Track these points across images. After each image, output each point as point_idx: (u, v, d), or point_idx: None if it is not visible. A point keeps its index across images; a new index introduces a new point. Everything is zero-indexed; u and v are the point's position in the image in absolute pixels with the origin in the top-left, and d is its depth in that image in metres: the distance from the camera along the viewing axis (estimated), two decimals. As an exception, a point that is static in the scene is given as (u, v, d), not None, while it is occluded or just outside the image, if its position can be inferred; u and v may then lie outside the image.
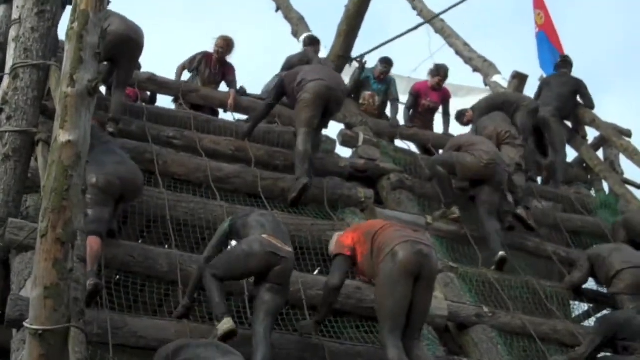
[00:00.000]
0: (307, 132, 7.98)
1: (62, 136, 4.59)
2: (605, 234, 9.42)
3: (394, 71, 10.93)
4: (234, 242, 6.27)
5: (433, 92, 10.85)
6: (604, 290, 8.40)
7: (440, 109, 11.02)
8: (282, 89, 8.42)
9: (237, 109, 9.90)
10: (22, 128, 6.47)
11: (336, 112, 8.57)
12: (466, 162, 8.46)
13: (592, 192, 10.33)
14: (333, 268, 6.17)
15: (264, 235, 5.87)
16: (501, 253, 7.95)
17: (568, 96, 10.72)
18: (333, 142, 9.39)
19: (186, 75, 10.18)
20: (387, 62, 10.62)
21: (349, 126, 9.94)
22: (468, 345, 7.13)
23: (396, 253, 5.74)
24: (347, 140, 9.63)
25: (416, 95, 10.83)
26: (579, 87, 10.90)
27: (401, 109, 10.78)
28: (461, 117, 10.60)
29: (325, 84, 8.08)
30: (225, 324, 5.58)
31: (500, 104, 10.02)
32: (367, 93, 10.50)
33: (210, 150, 8.23)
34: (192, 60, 10.13)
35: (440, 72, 10.83)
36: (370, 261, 5.92)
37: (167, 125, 8.46)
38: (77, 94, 4.70)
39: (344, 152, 9.58)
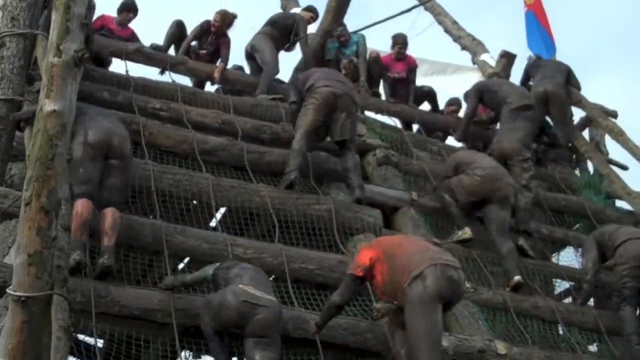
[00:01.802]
0: (305, 131, 7.77)
1: (48, 105, 4.62)
2: (588, 213, 9.49)
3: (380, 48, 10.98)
4: None
5: (398, 63, 10.83)
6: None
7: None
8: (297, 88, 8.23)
9: (223, 81, 9.92)
10: (8, 96, 6.46)
11: (347, 119, 7.89)
12: (464, 184, 8.19)
13: (577, 172, 10.36)
14: (341, 285, 5.98)
15: (240, 286, 5.55)
16: (517, 278, 7.67)
17: (559, 77, 10.75)
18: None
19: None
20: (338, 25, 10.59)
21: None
22: (449, 320, 7.18)
23: (425, 277, 5.51)
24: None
25: (381, 68, 10.83)
26: (569, 70, 10.96)
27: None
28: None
29: (333, 90, 7.89)
30: None
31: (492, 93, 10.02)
32: (344, 61, 10.54)
33: (196, 123, 8.22)
34: (195, 29, 10.13)
35: (397, 40, 10.83)
36: (392, 280, 5.66)
37: (153, 97, 8.47)
38: (63, 64, 4.73)
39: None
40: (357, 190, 7.69)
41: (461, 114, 10.77)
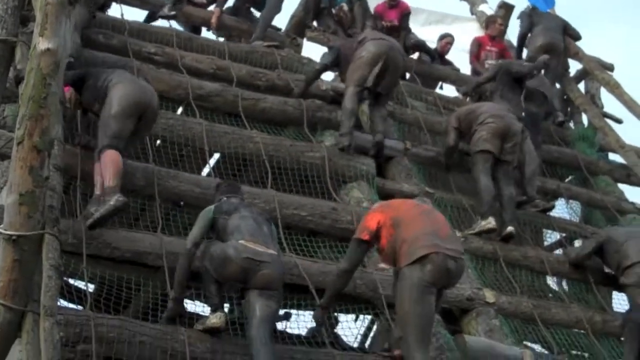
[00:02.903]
0: (356, 88, 7.74)
1: (42, 44, 4.58)
2: (581, 166, 9.53)
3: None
4: None
5: (390, 11, 10.75)
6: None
7: None
8: (338, 56, 8.14)
9: (220, 27, 9.86)
10: (2, 37, 6.41)
11: (392, 75, 7.90)
12: (482, 138, 7.93)
13: (571, 124, 10.37)
14: (348, 250, 5.81)
15: (240, 241, 5.39)
16: (510, 228, 7.61)
17: (558, 30, 10.72)
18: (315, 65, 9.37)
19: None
20: None
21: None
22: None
23: (425, 264, 5.31)
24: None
25: (376, 17, 10.77)
26: (566, 24, 10.91)
27: None
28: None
29: (386, 43, 7.87)
30: (213, 319, 5.31)
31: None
32: (337, 7, 10.52)
33: (191, 68, 8.21)
34: None
35: None
36: (393, 247, 5.51)
37: (148, 41, 8.43)
38: (57, 2, 4.68)
39: (326, 75, 9.55)
40: (378, 136, 7.78)
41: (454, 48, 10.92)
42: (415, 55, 11.03)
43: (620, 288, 7.67)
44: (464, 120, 8.24)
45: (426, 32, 11.63)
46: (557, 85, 10.80)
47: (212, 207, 5.74)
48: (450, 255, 5.39)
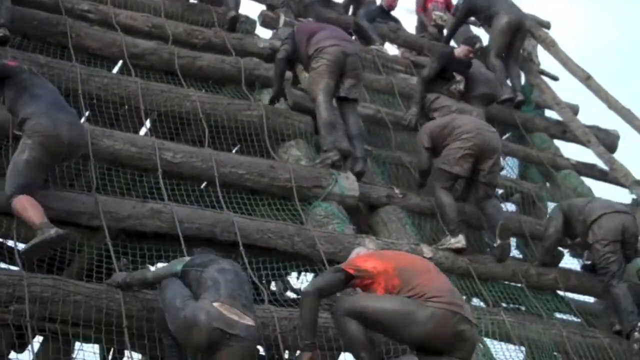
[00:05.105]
0: (325, 98, 7.22)
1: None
2: (517, 123, 9.64)
3: None
4: None
5: None
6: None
7: None
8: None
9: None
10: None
11: (356, 78, 7.45)
12: (452, 157, 7.28)
13: (508, 82, 10.43)
14: (323, 274, 5.30)
15: (215, 304, 4.64)
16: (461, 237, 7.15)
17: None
18: (253, 22, 9.31)
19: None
20: None
21: (270, 7, 9.81)
22: (377, 224, 7.31)
23: (436, 316, 4.76)
24: (267, 21, 9.56)
25: None
26: None
27: None
28: None
29: (342, 49, 7.35)
30: None
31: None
32: None
33: (126, 26, 8.09)
34: None
35: None
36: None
37: (81, -2, 8.27)
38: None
39: (264, 33, 9.53)
40: (360, 163, 7.25)
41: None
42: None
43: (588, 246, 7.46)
44: (437, 137, 7.47)
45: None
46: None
47: (184, 258, 5.17)
48: (467, 319, 4.85)
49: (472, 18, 10.65)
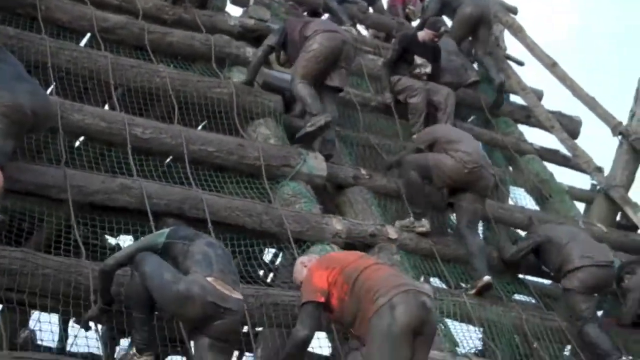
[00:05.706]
0: (305, 76, 7.25)
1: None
2: (483, 106, 9.74)
3: None
4: None
5: None
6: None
7: None
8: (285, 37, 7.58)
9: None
10: None
11: (346, 68, 7.51)
12: (446, 166, 7.14)
13: (475, 66, 10.53)
14: (302, 316, 4.99)
15: (209, 279, 4.75)
16: (487, 278, 6.98)
17: None
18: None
19: None
20: None
21: (241, -15, 9.81)
22: (344, 205, 7.40)
23: (395, 306, 4.68)
24: (238, -2, 9.58)
25: None
26: None
27: None
28: None
29: (339, 36, 7.39)
30: None
31: None
32: None
33: (95, 0, 8.02)
34: None
35: None
36: (352, 308, 4.87)
37: (51, -30, 8.18)
38: None
39: (235, 10, 9.51)
40: (329, 145, 7.38)
41: None
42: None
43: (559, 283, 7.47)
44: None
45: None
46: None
47: (164, 230, 5.11)
48: (421, 291, 4.83)
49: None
